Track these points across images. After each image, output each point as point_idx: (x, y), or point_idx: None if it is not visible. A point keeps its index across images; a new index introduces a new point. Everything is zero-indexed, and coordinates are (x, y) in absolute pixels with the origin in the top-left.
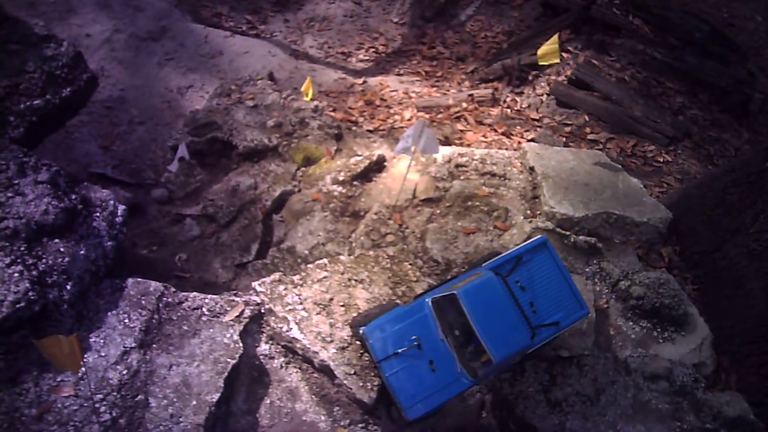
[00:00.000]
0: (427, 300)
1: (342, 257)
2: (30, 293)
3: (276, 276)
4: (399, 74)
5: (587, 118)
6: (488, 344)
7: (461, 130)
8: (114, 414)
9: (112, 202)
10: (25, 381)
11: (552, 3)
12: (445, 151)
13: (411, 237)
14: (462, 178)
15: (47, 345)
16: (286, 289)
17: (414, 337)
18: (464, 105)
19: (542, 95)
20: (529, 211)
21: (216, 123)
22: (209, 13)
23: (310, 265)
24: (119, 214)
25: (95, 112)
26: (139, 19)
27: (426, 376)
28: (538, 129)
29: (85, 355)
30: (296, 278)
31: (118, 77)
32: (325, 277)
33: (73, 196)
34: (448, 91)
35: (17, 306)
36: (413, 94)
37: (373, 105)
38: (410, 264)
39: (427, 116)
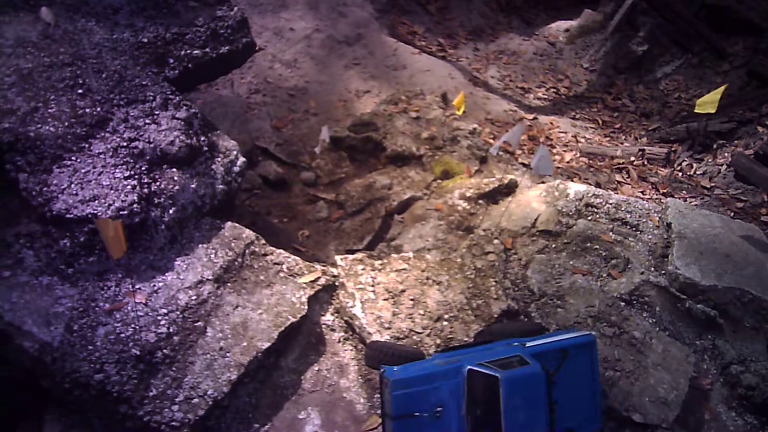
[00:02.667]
0: (464, 368)
1: (428, 256)
2: (135, 206)
3: (359, 255)
4: (573, 118)
5: (766, 198)
6: None
7: (619, 182)
8: (171, 330)
9: (235, 152)
10: (109, 279)
11: (761, 73)
12: (579, 188)
13: (514, 262)
14: (589, 218)
15: (102, 226)
16: (364, 269)
17: (438, 405)
18: (631, 158)
19: (721, 165)
20: (653, 269)
21: (375, 125)
22: (405, 31)
23: (394, 255)
24: (238, 164)
25: (279, 97)
26: (340, 24)
27: None
28: (706, 198)
29: (165, 274)
30: (377, 263)
31: (307, 71)
32: (404, 269)
33: (203, 138)
34: (621, 143)
35: (120, 213)
36: (582, 140)
37: (536, 141)
38: (496, 281)
39: (587, 162)
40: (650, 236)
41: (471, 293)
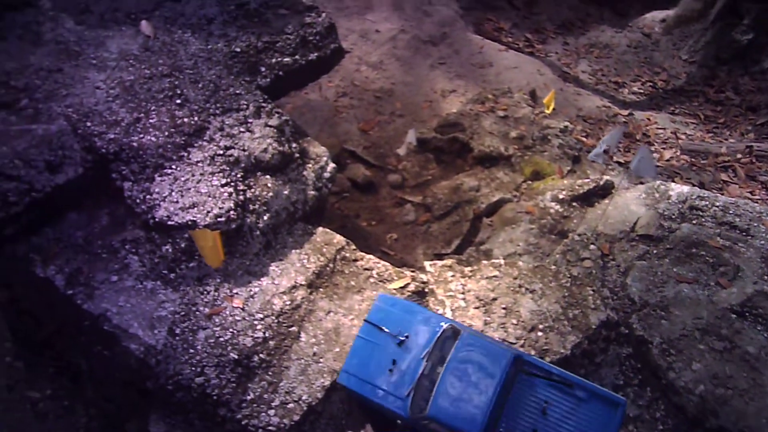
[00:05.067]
0: (445, 323)
1: (520, 263)
2: (231, 212)
3: (448, 261)
4: (672, 113)
5: None
6: (438, 396)
7: (724, 181)
8: (267, 334)
9: (325, 158)
10: (208, 284)
11: None
12: (681, 190)
13: (612, 269)
14: (694, 222)
15: (198, 236)
16: (453, 275)
17: (406, 335)
18: (738, 156)
19: None
20: (766, 276)
21: (462, 125)
22: (491, 27)
23: (485, 261)
24: (328, 170)
25: (365, 99)
26: (425, 24)
27: (379, 366)
28: None
29: (260, 279)
30: (467, 269)
31: (393, 72)
32: (495, 276)
33: (294, 145)
34: (726, 139)
35: (218, 219)
36: (682, 136)
37: (632, 138)
38: (593, 290)
39: (689, 160)
40: (763, 242)
41: (567, 302)
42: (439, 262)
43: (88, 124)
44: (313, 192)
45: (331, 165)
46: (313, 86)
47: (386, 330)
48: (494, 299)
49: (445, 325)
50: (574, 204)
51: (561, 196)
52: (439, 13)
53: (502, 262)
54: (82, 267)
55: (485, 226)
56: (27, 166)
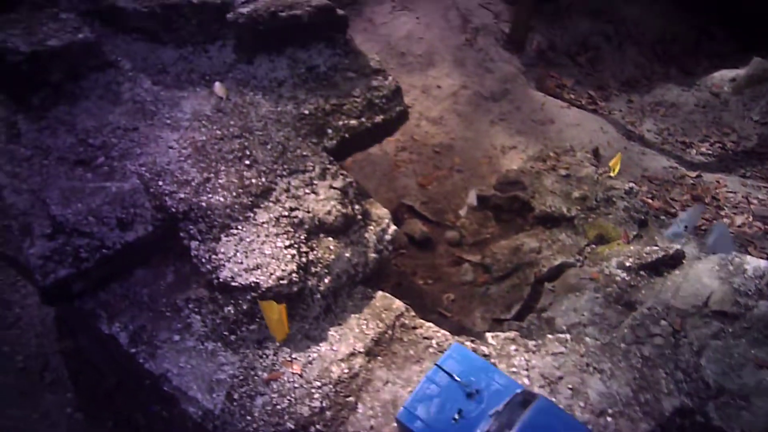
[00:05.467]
0: (523, 389)
1: (587, 339)
2: (294, 275)
3: (511, 334)
4: (743, 176)
5: None
6: None
7: None
8: (324, 404)
9: (387, 220)
10: (268, 347)
11: None
12: (758, 264)
13: (685, 348)
14: None
15: (265, 307)
16: (517, 350)
17: (477, 388)
18: None
19: None
20: None
21: (522, 183)
22: (553, 84)
23: (550, 335)
24: (389, 233)
25: (425, 154)
26: (487, 80)
27: (443, 412)
28: None
29: (319, 345)
30: (531, 343)
31: (453, 127)
32: (561, 353)
33: (357, 207)
34: None
35: (280, 282)
36: (754, 201)
37: (700, 201)
38: (666, 372)
39: (762, 227)
40: None
41: (638, 385)
42: (502, 335)
43: (160, 183)
44: (374, 255)
45: (393, 228)
46: None
47: (457, 378)
48: (560, 378)
49: (520, 390)
50: (641, 273)
51: (627, 264)
52: (501, 69)
53: (568, 337)
54: (146, 325)
55: (547, 292)
56: (100, 223)
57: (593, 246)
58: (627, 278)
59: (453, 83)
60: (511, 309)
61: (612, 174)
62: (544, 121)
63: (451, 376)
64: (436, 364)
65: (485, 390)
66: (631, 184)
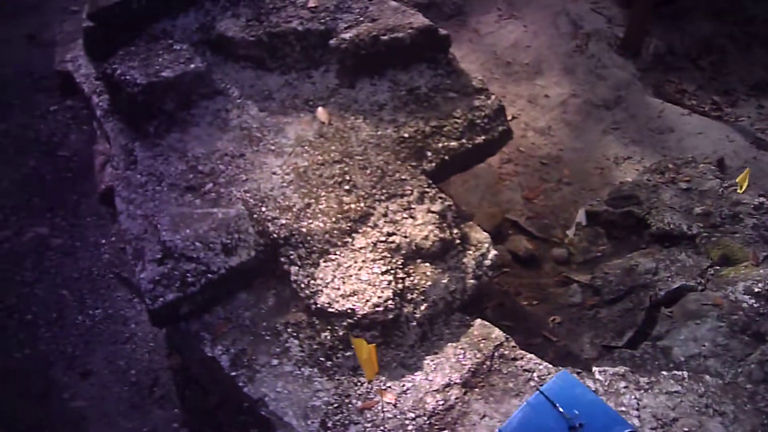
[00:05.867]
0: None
1: (707, 377)
2: (389, 302)
3: (621, 369)
4: None
5: None
6: None
7: None
8: None
9: (486, 245)
10: (362, 375)
11: None
12: None
13: None
14: None
15: (356, 344)
16: (627, 387)
17: (581, 422)
18: None
19: None
20: None
21: (638, 198)
22: (673, 89)
23: (665, 372)
24: (489, 257)
25: (531, 166)
26: (598, 87)
27: None
28: None
29: (414, 374)
30: (643, 380)
31: (562, 138)
32: (677, 392)
33: (455, 231)
34: None
35: (376, 309)
36: None
37: None
38: None
39: None
40: None
41: (765, 431)
42: (611, 369)
43: (263, 209)
44: (472, 280)
45: (493, 252)
46: None
47: (560, 409)
48: (675, 420)
49: (629, 430)
50: None
51: (756, 289)
52: (614, 75)
53: (685, 375)
54: (247, 348)
55: (663, 318)
56: (206, 249)
57: (717, 268)
58: (756, 305)
59: (562, 92)
60: (623, 335)
61: (740, 191)
62: (662, 130)
63: (553, 404)
64: (538, 389)
65: (589, 425)
66: (762, 199)
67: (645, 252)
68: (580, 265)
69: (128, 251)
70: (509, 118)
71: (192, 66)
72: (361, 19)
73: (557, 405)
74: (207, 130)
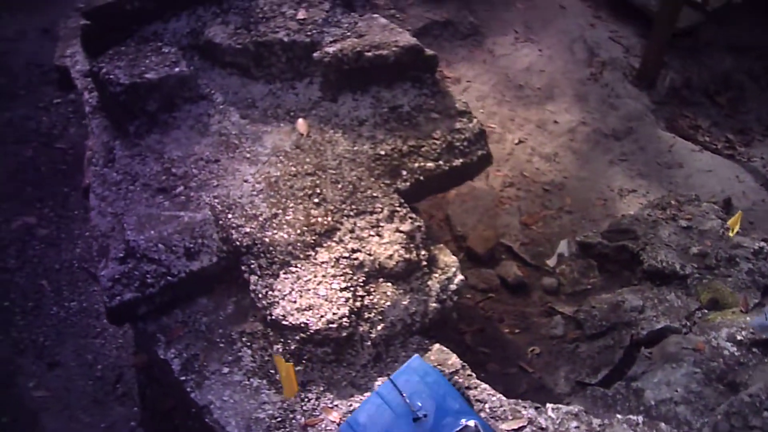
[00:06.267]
0: (475, 423)
1: (663, 425)
2: (345, 319)
3: (575, 409)
4: None
5: None
6: None
7: None
8: None
9: (454, 269)
10: (311, 390)
11: None
12: None
13: None
14: None
15: (277, 361)
16: (578, 428)
17: (425, 412)
18: None
19: None
20: None
21: (635, 232)
22: (686, 124)
23: (619, 416)
24: (455, 282)
25: (533, 192)
26: (609, 117)
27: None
28: None
29: (363, 394)
30: (596, 422)
31: (567, 165)
32: None
33: (423, 253)
34: None
35: (330, 325)
36: None
37: None
38: None
39: None
40: None
41: None
42: (564, 408)
43: (230, 215)
44: (435, 304)
45: (459, 277)
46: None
47: (407, 400)
48: None
49: (471, 423)
50: (754, 350)
51: (740, 337)
52: (627, 106)
53: (640, 420)
54: (200, 354)
55: (642, 358)
56: (168, 251)
57: (705, 311)
58: (737, 353)
59: (572, 119)
60: (598, 372)
61: (730, 234)
62: (671, 165)
63: (400, 393)
64: (389, 377)
65: (434, 417)
66: (762, 244)
67: (635, 288)
68: (568, 297)
69: (94, 247)
70: (516, 141)
71: (177, 69)
72: (348, 34)
73: (404, 394)
74: (187, 134)
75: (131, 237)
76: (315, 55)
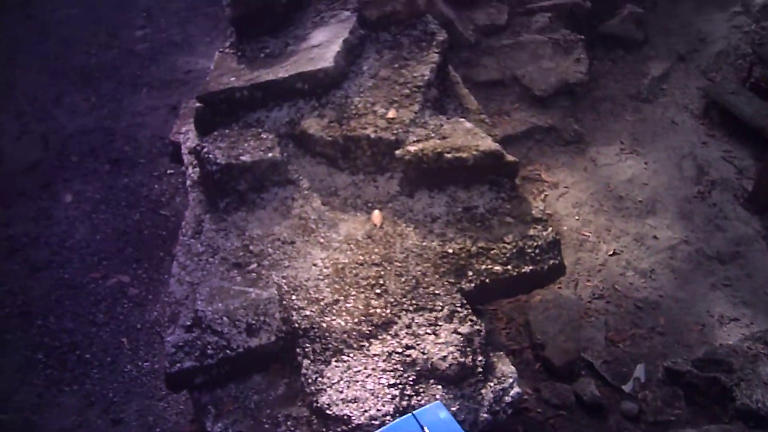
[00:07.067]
0: None
1: None
2: (389, 417)
3: None
4: None
5: None
6: None
7: None
8: None
9: (511, 380)
10: None
11: None
12: None
13: None
14: None
15: None
16: None
17: None
18: None
19: None
20: None
21: (730, 365)
22: None
23: None
24: (511, 394)
25: (624, 307)
26: (715, 238)
27: None
28: None
29: None
30: None
31: (664, 284)
32: None
33: (480, 358)
34: None
35: (372, 421)
36: None
37: None
38: None
39: None
40: None
41: None
42: None
43: (294, 297)
44: (486, 415)
45: (516, 390)
46: (568, 282)
47: None
48: None
49: None
50: None
51: None
52: (735, 229)
53: None
54: None
55: None
56: (231, 325)
57: None
58: None
59: (673, 236)
60: None
61: None
62: None
63: (422, 427)
64: (412, 413)
65: None
66: None
67: (724, 428)
68: (648, 426)
69: (167, 313)
70: (610, 252)
71: (270, 155)
72: (432, 135)
73: (425, 428)
74: (270, 214)
75: (200, 307)
76: (397, 152)
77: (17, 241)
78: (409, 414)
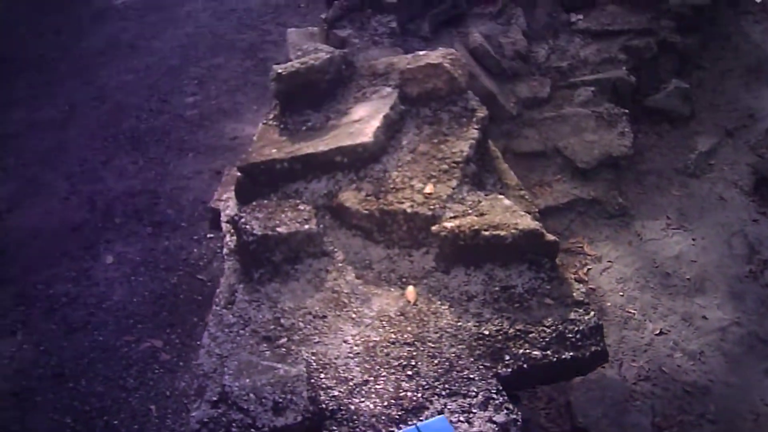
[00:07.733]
0: None
1: None
2: None
3: None
4: None
5: None
6: None
7: None
8: None
9: None
10: None
11: None
12: None
13: None
14: None
15: None
16: None
17: None
18: None
19: None
20: None
21: None
22: None
23: None
24: None
25: (671, 391)
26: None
27: None
28: None
29: None
30: None
31: (714, 367)
32: None
33: None
34: None
35: None
36: None
37: None
38: None
39: None
40: None
41: None
42: None
43: (322, 375)
44: None
45: None
46: (612, 361)
47: None
48: None
49: None
50: None
51: None
52: None
53: None
54: None
55: None
56: (258, 402)
57: None
58: None
59: (724, 317)
60: None
61: None
62: None
63: None
64: (417, 425)
65: None
66: None
67: None
68: None
69: (194, 385)
70: (656, 332)
71: (306, 227)
72: (470, 211)
73: None
74: (303, 286)
75: (227, 382)
76: (434, 228)
77: (56, 301)
78: (413, 426)
